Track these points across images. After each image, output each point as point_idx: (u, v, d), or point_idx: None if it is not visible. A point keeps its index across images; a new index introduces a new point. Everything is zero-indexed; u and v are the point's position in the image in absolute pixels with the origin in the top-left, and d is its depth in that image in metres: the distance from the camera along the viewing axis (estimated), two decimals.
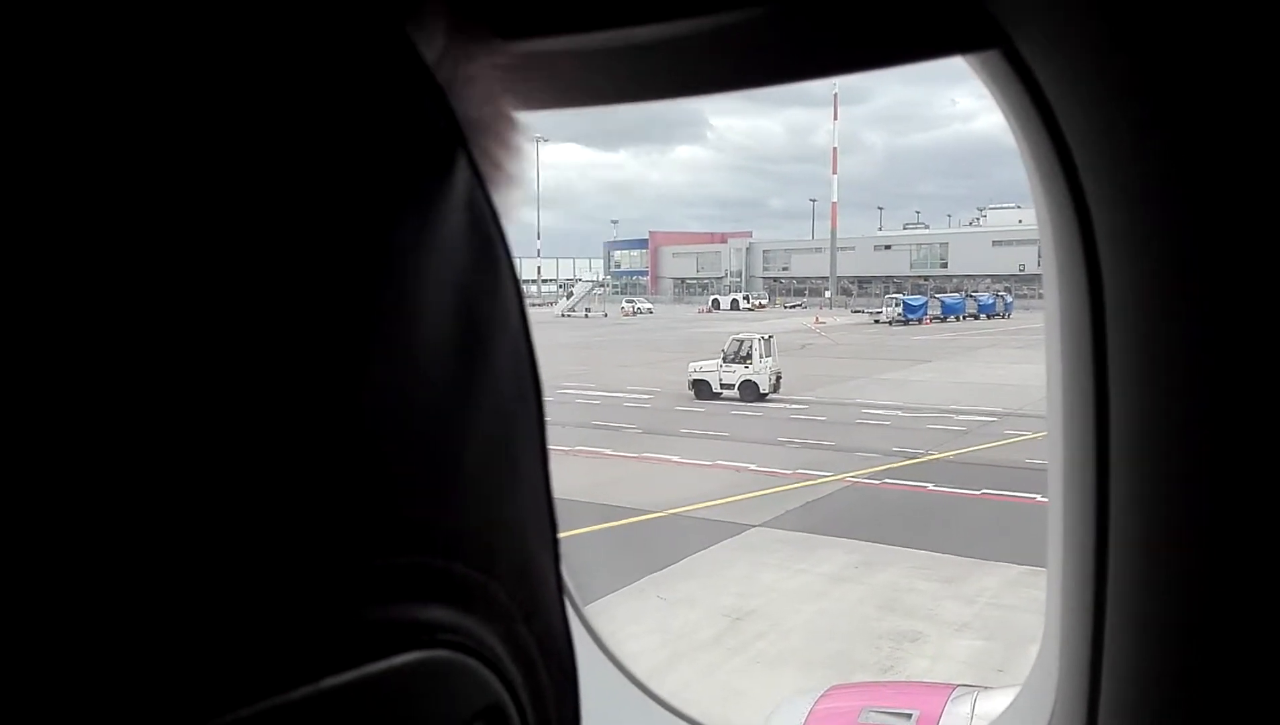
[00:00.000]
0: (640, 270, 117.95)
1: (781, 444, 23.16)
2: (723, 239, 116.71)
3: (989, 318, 70.25)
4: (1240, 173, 0.74)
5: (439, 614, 0.44)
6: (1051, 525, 1.09)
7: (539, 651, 0.52)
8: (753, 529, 16.54)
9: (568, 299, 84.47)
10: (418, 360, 0.44)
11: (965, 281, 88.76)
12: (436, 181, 0.46)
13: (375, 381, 0.42)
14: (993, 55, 0.85)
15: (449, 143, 0.47)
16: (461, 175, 0.47)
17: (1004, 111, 0.93)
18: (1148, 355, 0.84)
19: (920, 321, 65.19)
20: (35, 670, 0.31)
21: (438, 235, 0.45)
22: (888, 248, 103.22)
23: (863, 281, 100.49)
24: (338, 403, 0.40)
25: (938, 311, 68.55)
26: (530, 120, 0.67)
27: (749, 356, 30.84)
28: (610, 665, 2.00)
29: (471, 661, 0.45)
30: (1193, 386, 0.81)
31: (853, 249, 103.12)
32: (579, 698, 0.57)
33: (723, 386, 30.39)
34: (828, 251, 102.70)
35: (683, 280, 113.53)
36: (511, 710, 0.48)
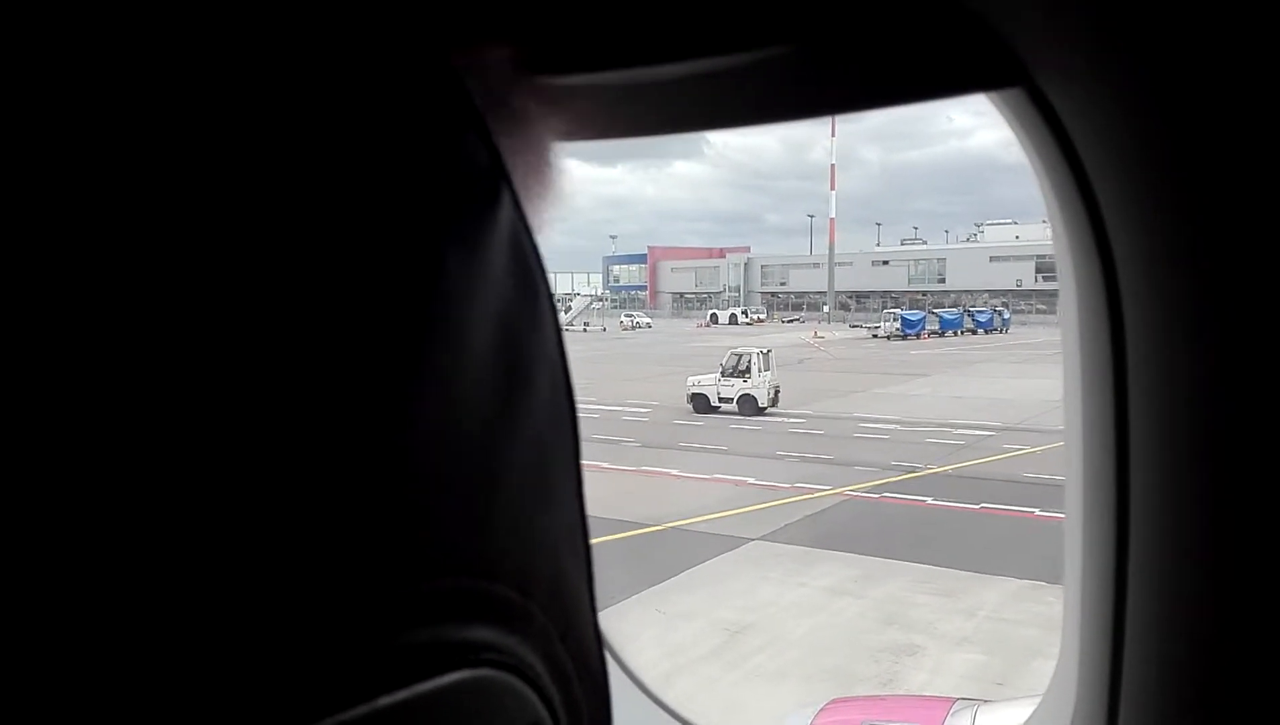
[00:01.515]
0: (639, 285, 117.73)
1: (780, 458, 23.13)
2: (721, 254, 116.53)
3: (986, 333, 70.18)
4: (1261, 200, 0.77)
5: (483, 634, 0.45)
6: (1069, 539, 1.10)
7: (574, 669, 0.54)
8: (751, 543, 16.50)
9: (566, 313, 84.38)
10: (461, 388, 0.45)
11: (963, 297, 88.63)
12: (481, 215, 0.47)
13: (419, 409, 0.43)
14: (1015, 93, 0.88)
15: (493, 176, 0.49)
16: (505, 208, 0.49)
17: (1024, 145, 0.96)
18: (1168, 375, 0.86)
19: (918, 336, 65.12)
20: (91, 701, 0.32)
21: (482, 267, 0.47)
22: (885, 263, 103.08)
23: (860, 296, 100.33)
24: (383, 430, 0.41)
25: (935, 327, 68.48)
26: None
27: (747, 371, 30.80)
28: (624, 676, 2.02)
29: (514, 680, 0.47)
30: (1212, 401, 0.84)
31: (850, 264, 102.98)
32: (611, 712, 0.59)
33: (721, 400, 30.34)
34: (825, 267, 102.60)
35: (681, 295, 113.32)
36: None
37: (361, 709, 0.38)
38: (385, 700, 0.39)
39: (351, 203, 0.41)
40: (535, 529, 0.52)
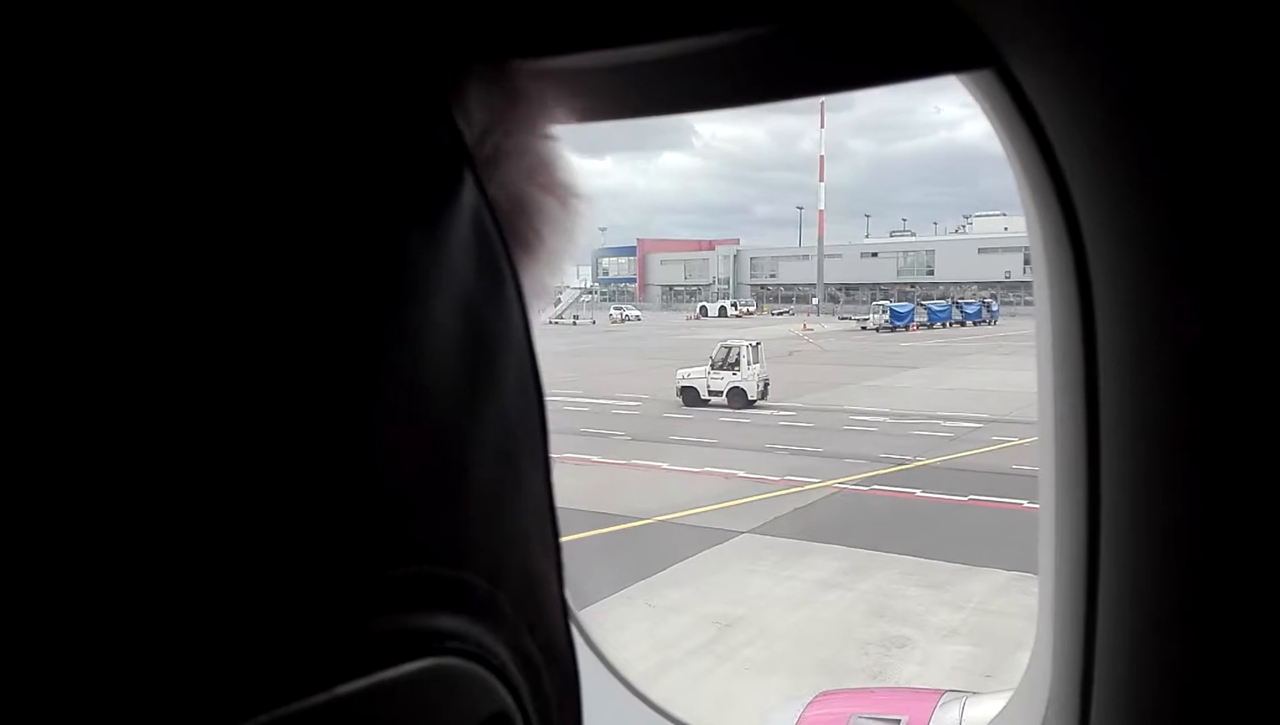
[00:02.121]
0: (628, 277, 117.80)
1: (770, 450, 23.16)
2: (710, 246, 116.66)
3: (975, 325, 70.42)
4: (1231, 186, 0.76)
5: (448, 622, 0.45)
6: (1043, 530, 1.10)
7: (543, 659, 0.53)
8: (741, 535, 16.54)
9: (555, 306, 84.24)
10: (427, 375, 0.45)
11: (951, 288, 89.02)
12: (444, 200, 0.47)
13: (385, 396, 0.43)
14: (985, 74, 0.87)
15: (455, 162, 0.48)
16: (468, 193, 0.48)
17: (996, 128, 0.95)
18: (1138, 364, 0.86)
19: (907, 328, 65.31)
20: (52, 681, 0.32)
21: (445, 252, 0.46)
22: (874, 255, 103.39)
23: (850, 288, 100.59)
24: (349, 418, 0.41)
25: (924, 318, 68.64)
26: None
27: (737, 363, 30.83)
28: (605, 670, 2.01)
29: (479, 669, 0.46)
30: (1183, 394, 0.83)
31: (840, 256, 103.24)
32: (580, 704, 0.58)
33: (711, 393, 30.36)
34: (814, 259, 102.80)
35: (670, 287, 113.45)
36: (517, 718, 0.49)
37: (320, 697, 0.38)
38: (345, 688, 0.38)
39: (312, 188, 0.41)
40: (503, 517, 0.52)
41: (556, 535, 0.58)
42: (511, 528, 0.52)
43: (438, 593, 0.45)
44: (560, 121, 1.12)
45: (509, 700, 0.48)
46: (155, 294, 0.35)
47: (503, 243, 0.52)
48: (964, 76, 0.91)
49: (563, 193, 0.65)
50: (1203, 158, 0.77)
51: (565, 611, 0.57)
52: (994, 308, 75.30)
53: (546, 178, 0.64)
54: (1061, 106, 0.85)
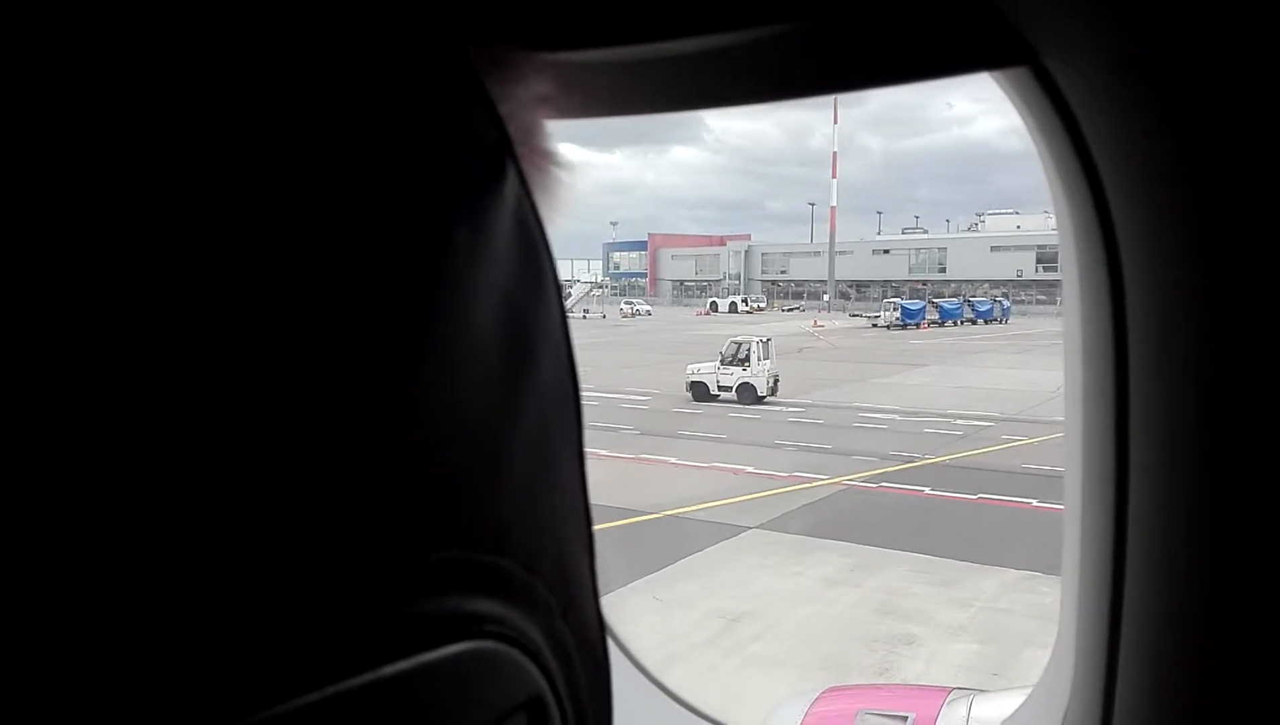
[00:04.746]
0: (639, 272, 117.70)
1: (778, 447, 23.14)
2: (721, 241, 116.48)
3: (986, 323, 70.21)
4: (1267, 185, 0.76)
5: (486, 606, 0.46)
6: (1068, 530, 1.10)
7: (575, 645, 0.54)
8: (749, 531, 16.54)
9: (566, 300, 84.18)
10: (468, 365, 0.46)
11: (963, 286, 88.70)
12: (487, 192, 0.47)
13: (428, 385, 0.43)
14: (1020, 72, 0.87)
15: (499, 153, 0.49)
16: (510, 185, 0.49)
17: (1028, 124, 0.95)
18: (1169, 364, 0.86)
19: (918, 326, 65.04)
20: (105, 662, 0.32)
21: (488, 244, 0.47)
22: (886, 252, 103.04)
23: (861, 285, 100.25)
24: (392, 406, 0.41)
25: (935, 316, 68.41)
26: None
27: (747, 359, 30.79)
28: (623, 658, 2.02)
29: (516, 653, 0.47)
30: (1215, 394, 0.83)
31: (851, 253, 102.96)
32: (611, 691, 0.59)
33: (720, 389, 30.34)
34: (826, 255, 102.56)
35: (681, 282, 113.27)
36: (551, 701, 0.50)
37: (367, 676, 0.39)
38: (390, 669, 0.40)
39: (359, 179, 0.41)
40: (540, 505, 0.53)
41: (589, 524, 0.59)
42: (547, 515, 0.53)
43: (477, 577, 0.46)
44: (576, 116, 1.12)
45: (544, 684, 0.49)
46: (197, 284, 0.35)
47: (542, 233, 0.53)
48: (998, 74, 0.91)
49: (542, 161, 0.64)
50: (1238, 155, 0.76)
51: (597, 598, 0.58)
52: (1006, 306, 75.04)
53: (527, 148, 0.63)
54: (1096, 103, 0.85)
